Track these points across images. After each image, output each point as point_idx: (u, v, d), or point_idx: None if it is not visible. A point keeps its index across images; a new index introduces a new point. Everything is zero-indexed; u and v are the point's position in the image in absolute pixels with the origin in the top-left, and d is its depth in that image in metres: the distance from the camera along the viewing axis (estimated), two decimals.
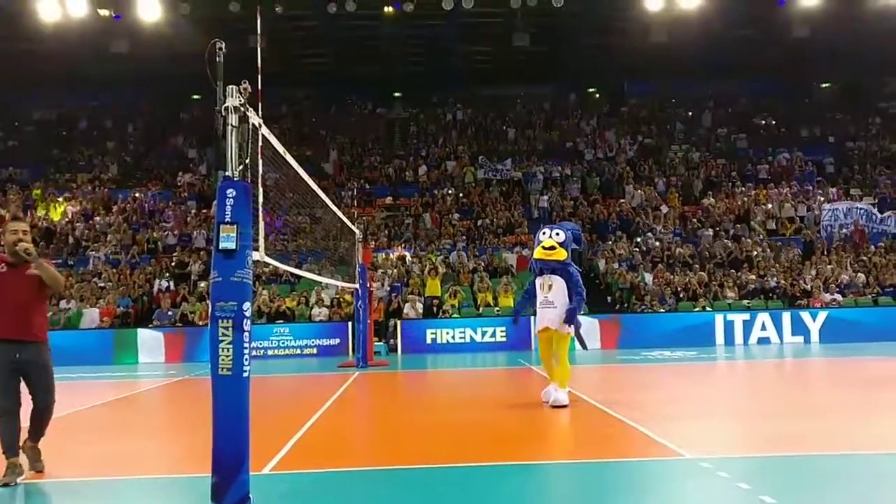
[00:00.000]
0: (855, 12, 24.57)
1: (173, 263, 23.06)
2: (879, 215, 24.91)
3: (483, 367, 16.22)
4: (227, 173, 5.05)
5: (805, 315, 20.15)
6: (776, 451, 6.51)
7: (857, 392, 10.45)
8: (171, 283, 21.89)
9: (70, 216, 26.61)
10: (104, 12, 23.95)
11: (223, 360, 4.79)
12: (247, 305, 4.86)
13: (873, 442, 6.69)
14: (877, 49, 28.12)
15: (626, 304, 21.13)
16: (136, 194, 27.77)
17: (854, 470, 5.78)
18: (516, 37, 26.51)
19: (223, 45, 5.14)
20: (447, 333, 19.81)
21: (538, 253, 9.27)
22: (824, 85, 34.58)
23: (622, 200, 26.76)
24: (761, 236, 24.62)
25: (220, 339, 4.79)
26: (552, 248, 9.13)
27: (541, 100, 34.38)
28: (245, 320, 4.83)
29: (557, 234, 9.28)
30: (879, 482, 5.43)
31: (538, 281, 9.26)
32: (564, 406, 8.77)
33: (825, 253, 23.61)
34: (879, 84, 33.84)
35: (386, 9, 25.37)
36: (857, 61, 30.03)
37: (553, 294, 9.10)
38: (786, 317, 20.11)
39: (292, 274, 16.60)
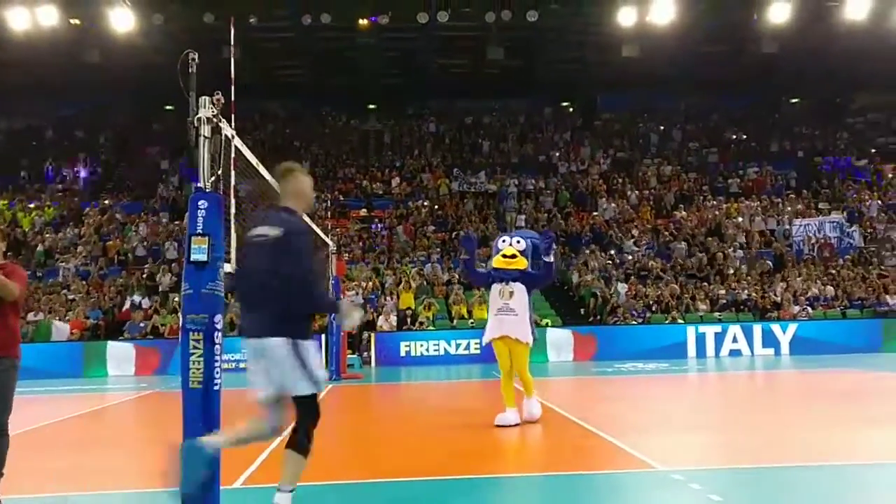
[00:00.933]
0: (824, 30, 24.98)
1: (144, 276, 22.78)
2: (848, 228, 25.30)
3: (457, 380, 16.19)
4: (198, 184, 5.03)
5: (775, 328, 20.37)
6: (747, 463, 6.57)
7: (827, 404, 10.57)
8: (144, 300, 21.52)
9: (39, 227, 26.28)
10: (75, 21, 23.73)
11: (194, 373, 4.74)
12: (218, 318, 4.82)
13: (843, 453, 6.77)
14: (845, 66, 28.64)
15: (599, 317, 21.23)
16: (106, 202, 27.53)
17: (824, 481, 5.84)
18: (491, 50, 26.65)
19: (196, 56, 5.12)
20: (421, 346, 19.76)
21: (497, 262, 8.73)
22: (794, 100, 35.10)
23: (595, 213, 26.95)
24: (733, 249, 24.88)
25: (191, 351, 4.74)
26: (513, 256, 8.64)
27: (515, 113, 34.56)
28: (216, 333, 4.80)
29: (518, 241, 8.80)
30: (849, 493, 5.49)
31: (496, 287, 8.71)
32: (534, 419, 8.64)
33: (795, 266, 23.92)
34: (847, 100, 34.44)
35: (361, 21, 25.40)
36: (826, 78, 30.54)
37: (514, 301, 8.57)
38: (756, 329, 20.32)
39: None
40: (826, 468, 6.20)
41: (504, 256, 8.65)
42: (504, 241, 8.92)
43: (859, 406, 10.14)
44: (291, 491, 4.74)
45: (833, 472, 6.06)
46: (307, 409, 4.79)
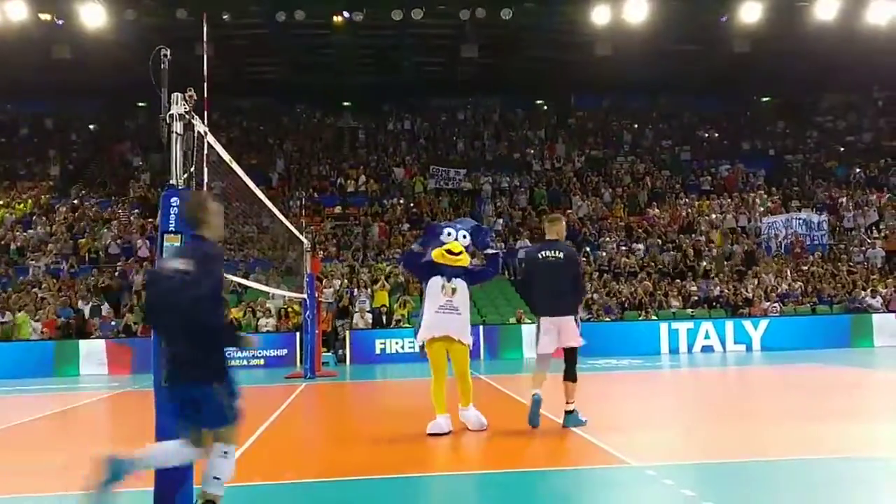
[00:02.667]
0: (794, 30, 25.26)
1: (103, 284, 22.23)
2: (817, 220, 25.62)
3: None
4: (171, 181, 5.00)
5: (747, 323, 20.59)
6: (720, 458, 6.63)
7: (798, 398, 10.72)
8: (104, 306, 21.16)
9: (9, 225, 25.92)
10: (45, 17, 23.41)
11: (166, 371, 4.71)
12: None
13: (813, 447, 6.86)
14: (814, 66, 28.99)
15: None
16: (76, 202, 27.21)
17: (795, 475, 5.92)
18: (465, 48, 26.65)
19: (168, 52, 5.09)
20: (396, 343, 19.71)
21: (440, 256, 7.85)
22: (764, 99, 35.47)
23: (569, 211, 27.08)
24: (705, 246, 25.12)
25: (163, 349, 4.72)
26: (459, 253, 7.93)
27: (490, 111, 34.61)
28: None
29: (465, 236, 8.10)
30: (819, 486, 5.57)
31: (437, 282, 7.91)
32: (485, 428, 7.93)
33: (766, 262, 24.20)
34: (817, 99, 34.89)
35: (335, 18, 25.29)
36: (796, 78, 30.89)
37: (458, 299, 7.89)
38: (728, 325, 20.53)
39: (239, 284, 16.39)
40: (796, 462, 6.28)
41: (449, 252, 7.88)
42: (449, 233, 8.06)
43: (828, 401, 10.29)
44: None
45: (802, 466, 6.15)
46: None
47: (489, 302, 21.66)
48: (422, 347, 8.13)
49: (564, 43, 27.97)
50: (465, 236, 8.07)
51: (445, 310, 7.83)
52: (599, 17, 23.94)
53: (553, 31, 27.10)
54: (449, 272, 7.85)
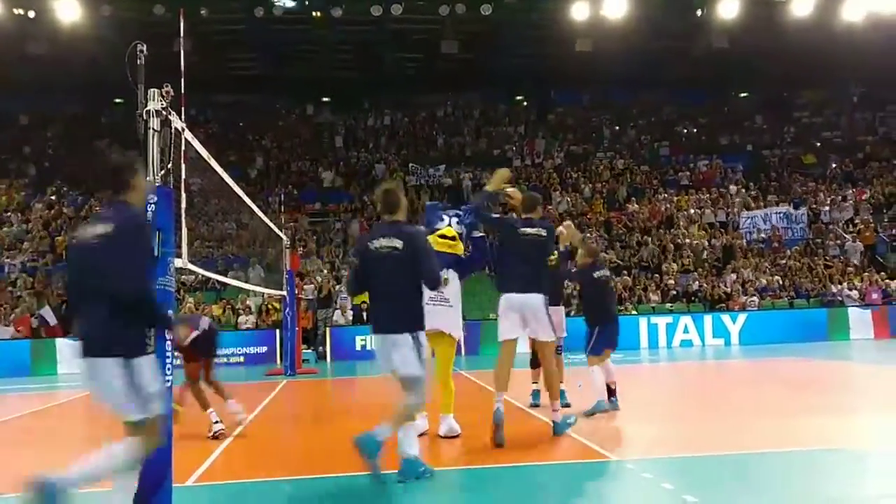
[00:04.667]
0: (771, 26, 25.44)
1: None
2: (795, 213, 25.86)
3: None
4: (148, 178, 4.96)
5: (725, 318, 20.76)
6: (699, 452, 6.69)
7: (775, 392, 10.81)
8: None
9: None
10: (19, 11, 23.13)
11: None
12: (170, 313, 4.76)
13: (791, 440, 6.92)
14: (792, 62, 29.18)
15: None
16: (52, 198, 26.94)
17: (772, 467, 5.97)
18: (445, 44, 26.63)
19: (144, 48, 5.04)
20: None
21: (433, 242, 7.16)
22: (743, 95, 35.70)
23: (549, 207, 27.13)
24: (684, 240, 25.27)
25: None
26: (453, 238, 7.55)
27: (470, 107, 34.60)
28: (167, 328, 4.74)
29: (458, 223, 7.69)
30: (796, 478, 5.63)
31: None
32: (458, 434, 7.47)
33: (744, 257, 24.39)
34: (795, 95, 35.15)
35: (314, 13, 25.18)
36: (774, 73, 31.11)
37: (449, 291, 7.44)
38: (707, 319, 20.69)
39: (219, 281, 16.32)
40: (773, 455, 6.34)
41: (443, 237, 7.47)
42: (442, 219, 7.71)
43: (805, 394, 10.39)
44: None
45: (780, 458, 6.20)
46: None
47: (470, 297, 21.64)
48: None
49: (544, 39, 27.99)
50: (457, 223, 7.69)
51: (437, 302, 7.32)
52: (579, 12, 24.01)
53: (533, 27, 27.12)
54: (442, 260, 7.13)
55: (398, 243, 5.72)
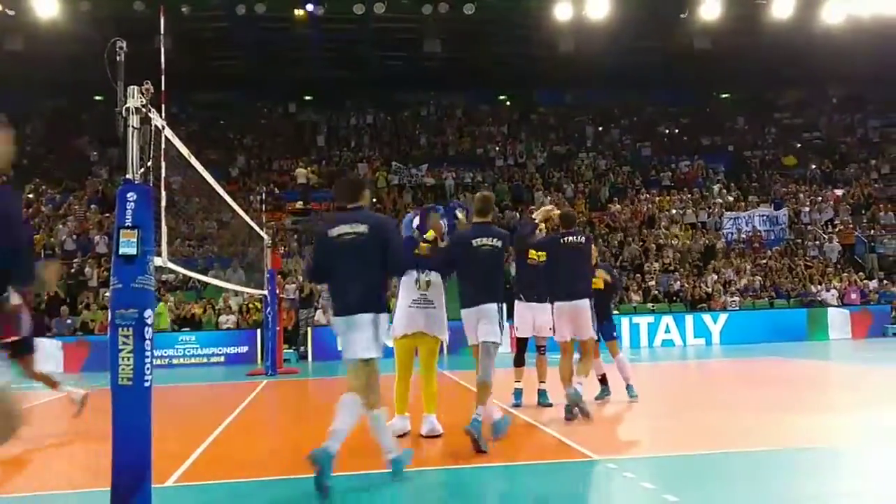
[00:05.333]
0: (753, 28, 25.62)
1: (73, 270, 22.05)
2: (776, 213, 26.07)
3: (394, 373, 16.12)
4: (127, 176, 4.91)
5: (707, 318, 20.88)
6: (679, 451, 6.71)
7: (755, 391, 10.88)
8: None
9: None
10: None
11: (123, 369, 4.65)
12: (148, 313, 4.72)
13: (771, 439, 6.96)
14: (772, 63, 29.42)
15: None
16: (31, 196, 26.67)
17: (753, 466, 6.00)
18: (428, 43, 26.60)
19: (124, 45, 4.99)
20: None
21: (422, 248, 7.45)
22: (724, 96, 35.93)
23: (532, 207, 27.18)
24: (665, 240, 25.40)
25: (120, 347, 4.65)
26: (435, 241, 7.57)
27: (453, 106, 34.60)
28: (146, 328, 4.70)
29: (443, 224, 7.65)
30: (776, 477, 5.66)
31: (410, 274, 7.41)
32: (440, 434, 7.45)
33: (725, 257, 24.55)
34: (776, 96, 35.42)
35: (296, 12, 25.08)
36: (755, 74, 31.33)
37: (432, 292, 7.47)
38: (688, 319, 20.81)
39: (199, 280, 16.22)
40: (754, 454, 6.37)
41: (425, 241, 7.53)
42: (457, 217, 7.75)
43: (785, 393, 10.46)
44: None
45: (760, 457, 6.23)
46: None
47: (451, 297, 21.65)
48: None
49: (527, 39, 28.06)
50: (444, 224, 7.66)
51: (419, 304, 7.41)
52: (562, 13, 24.05)
53: (516, 27, 27.16)
54: (423, 264, 7.40)
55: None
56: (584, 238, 8.58)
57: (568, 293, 8.33)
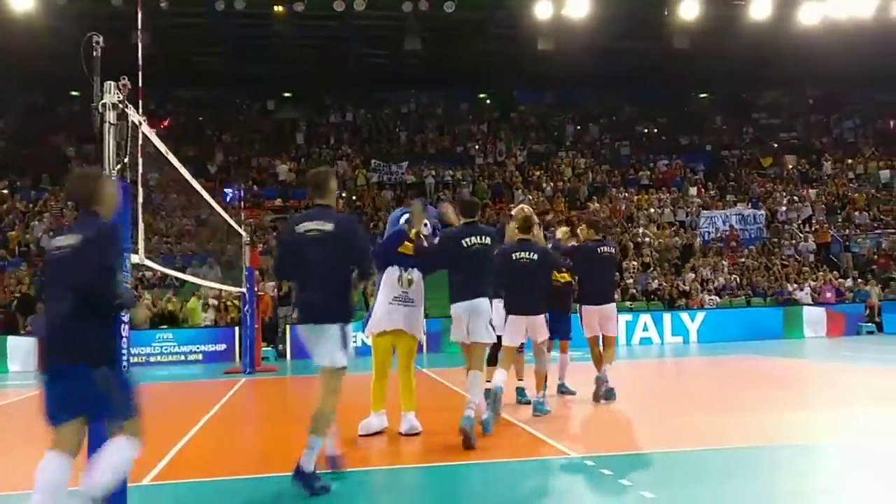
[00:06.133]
0: (731, 28, 25.80)
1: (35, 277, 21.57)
2: (754, 213, 26.33)
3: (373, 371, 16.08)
4: (104, 172, 4.87)
5: (684, 316, 21.03)
6: (657, 448, 6.75)
7: (732, 389, 10.98)
8: None
9: None
10: None
11: None
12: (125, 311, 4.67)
13: (747, 435, 7.03)
14: (750, 64, 29.66)
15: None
16: (5, 192, 26.38)
17: (729, 463, 6.05)
18: (408, 41, 26.55)
19: (100, 40, 4.95)
20: None
21: (407, 248, 7.41)
22: (703, 96, 36.17)
23: (511, 205, 27.25)
24: (644, 239, 25.54)
25: None
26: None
27: (433, 104, 34.58)
28: (123, 325, 4.65)
29: (426, 224, 7.62)
30: (753, 473, 5.71)
31: (393, 273, 7.43)
32: (419, 432, 7.43)
33: (703, 256, 24.73)
34: (753, 96, 35.72)
35: (276, 8, 24.94)
36: (733, 74, 31.56)
37: (413, 290, 7.48)
38: (666, 318, 20.94)
39: (177, 277, 16.11)
40: (731, 451, 6.43)
41: (408, 240, 7.47)
42: (409, 220, 7.65)
43: (761, 391, 10.56)
44: None
45: (737, 454, 6.29)
46: None
47: (431, 295, 21.65)
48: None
49: (507, 37, 28.07)
50: (426, 224, 7.60)
51: (400, 301, 7.39)
52: (542, 11, 24.08)
53: (496, 25, 27.18)
54: (406, 262, 7.40)
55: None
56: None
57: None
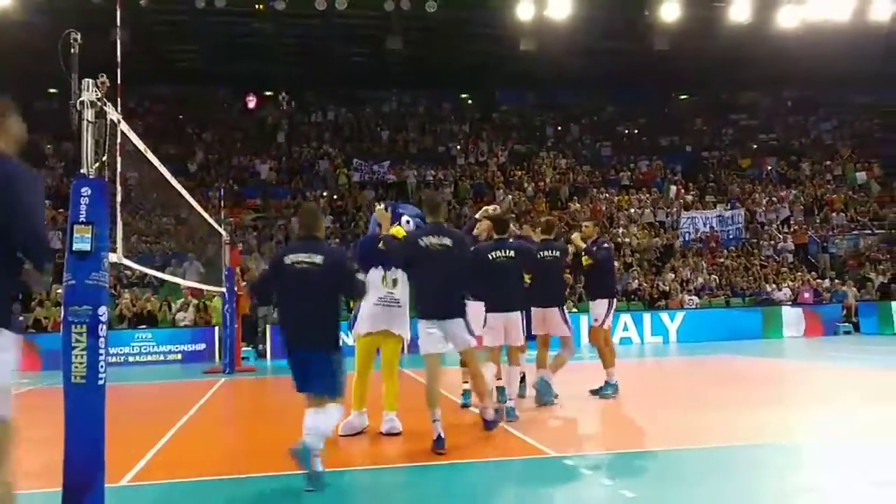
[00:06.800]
0: (711, 30, 25.96)
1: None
2: (733, 214, 26.54)
3: (353, 371, 16.05)
4: (82, 171, 4.83)
5: (664, 316, 21.14)
6: (637, 448, 6.79)
7: (711, 388, 11.05)
8: None
9: None
10: None
11: (76, 367, 4.57)
12: (102, 310, 4.64)
13: (726, 435, 7.08)
14: (730, 66, 29.86)
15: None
16: None
17: (709, 462, 6.09)
18: (390, 40, 26.51)
19: (78, 36, 4.90)
20: None
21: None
22: (683, 97, 36.38)
23: (493, 204, 27.26)
24: (624, 240, 25.66)
25: (74, 345, 4.57)
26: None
27: (415, 104, 34.55)
28: (100, 325, 4.62)
29: (408, 222, 7.70)
30: (731, 472, 5.75)
31: (377, 273, 7.46)
32: (400, 432, 7.44)
33: (683, 256, 24.88)
34: (733, 98, 35.97)
35: (257, 6, 24.82)
36: (713, 76, 31.77)
37: (398, 291, 7.53)
38: (646, 318, 21.04)
39: (156, 277, 15.99)
40: (710, 450, 6.47)
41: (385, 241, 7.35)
42: (408, 220, 7.76)
43: (740, 390, 10.63)
44: None
45: (716, 453, 6.34)
46: None
47: (410, 296, 21.63)
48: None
49: (489, 37, 28.09)
50: (408, 222, 7.69)
51: (385, 302, 7.44)
52: (524, 12, 24.10)
53: (478, 26, 27.20)
54: (389, 262, 7.39)
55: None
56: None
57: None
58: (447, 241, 6.82)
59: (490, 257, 7.90)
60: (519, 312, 8.12)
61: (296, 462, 5.43)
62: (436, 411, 6.65)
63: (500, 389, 9.25)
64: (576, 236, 10.52)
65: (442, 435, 6.54)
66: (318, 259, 5.72)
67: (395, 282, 7.47)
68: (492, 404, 7.45)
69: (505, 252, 7.93)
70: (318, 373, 5.78)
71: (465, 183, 28.90)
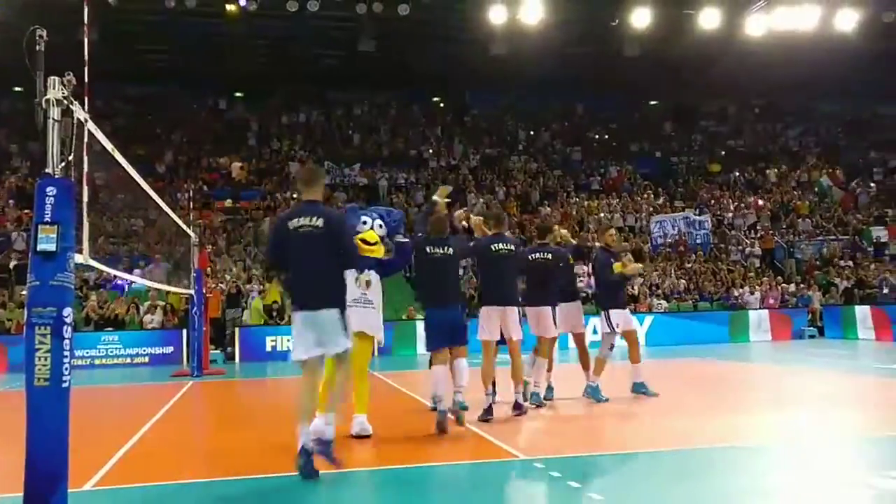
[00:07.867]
0: (681, 37, 26.24)
1: None
2: (699, 219, 26.83)
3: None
4: (47, 170, 4.75)
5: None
6: (606, 450, 6.82)
7: (679, 392, 11.13)
8: None
9: None
10: None
11: (40, 369, 4.48)
12: (67, 311, 4.56)
13: (694, 438, 7.13)
14: (699, 73, 30.18)
15: (467, 311, 21.48)
16: None
17: (677, 465, 6.13)
18: (362, 42, 26.46)
19: (44, 33, 4.82)
20: (288, 340, 19.35)
21: (357, 247, 7.16)
22: (653, 103, 36.70)
23: (465, 208, 27.25)
24: (594, 244, 25.77)
25: (37, 347, 4.48)
26: (375, 243, 7.64)
27: (387, 106, 34.49)
28: (65, 327, 4.54)
29: (381, 226, 7.75)
30: (700, 475, 5.80)
31: (349, 273, 6.89)
32: (370, 435, 7.39)
33: (651, 261, 25.07)
34: (702, 105, 36.37)
35: (228, 7, 24.64)
36: (683, 83, 32.08)
37: (372, 292, 7.53)
38: None
39: (123, 278, 15.79)
40: (678, 452, 6.51)
41: (364, 242, 7.50)
42: (364, 222, 7.70)
43: (707, 394, 10.74)
44: None
45: (685, 456, 6.38)
46: None
47: (386, 298, 21.56)
48: None
49: (461, 41, 28.14)
50: (380, 226, 7.74)
51: (360, 303, 7.35)
52: (496, 16, 24.19)
53: (450, 29, 27.25)
54: (362, 263, 7.30)
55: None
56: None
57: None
58: (511, 247, 8.44)
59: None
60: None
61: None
62: (488, 387, 8.14)
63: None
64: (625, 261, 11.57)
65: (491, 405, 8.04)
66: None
67: (368, 283, 7.49)
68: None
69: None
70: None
71: (437, 186, 28.87)
